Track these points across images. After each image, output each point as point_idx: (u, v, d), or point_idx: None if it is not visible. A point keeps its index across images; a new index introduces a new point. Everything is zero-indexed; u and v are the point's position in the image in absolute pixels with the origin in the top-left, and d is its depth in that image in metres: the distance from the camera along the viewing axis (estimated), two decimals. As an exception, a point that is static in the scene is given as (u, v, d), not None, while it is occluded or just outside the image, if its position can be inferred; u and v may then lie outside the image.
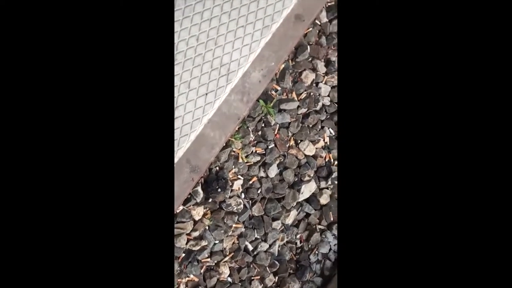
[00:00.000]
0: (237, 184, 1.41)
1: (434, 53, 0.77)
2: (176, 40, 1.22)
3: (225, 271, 1.37)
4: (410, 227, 0.76)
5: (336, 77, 1.54)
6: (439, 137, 0.76)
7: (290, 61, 1.49)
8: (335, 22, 1.55)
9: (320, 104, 1.52)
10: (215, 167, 1.39)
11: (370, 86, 0.78)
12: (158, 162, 0.76)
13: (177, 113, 1.22)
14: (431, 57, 0.77)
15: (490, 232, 0.74)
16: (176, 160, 1.24)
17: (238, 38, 1.23)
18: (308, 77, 1.51)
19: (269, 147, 1.46)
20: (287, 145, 1.48)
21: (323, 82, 1.53)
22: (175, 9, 1.19)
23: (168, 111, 0.77)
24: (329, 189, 1.51)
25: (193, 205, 1.35)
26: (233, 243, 1.39)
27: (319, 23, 1.53)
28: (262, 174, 1.45)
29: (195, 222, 1.36)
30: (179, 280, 1.32)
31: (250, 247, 1.41)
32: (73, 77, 0.75)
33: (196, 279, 1.35)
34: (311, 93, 1.52)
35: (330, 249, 1.49)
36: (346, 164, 0.78)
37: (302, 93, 1.51)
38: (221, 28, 1.20)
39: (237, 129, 1.40)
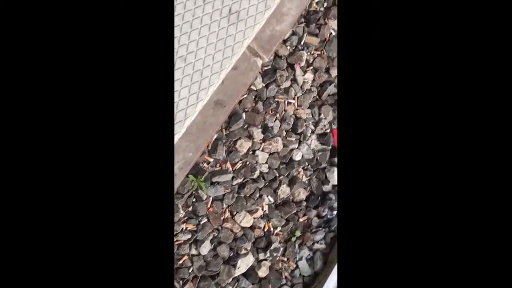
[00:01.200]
0: (165, 266, 1.33)
1: (436, 57, 0.76)
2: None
3: None
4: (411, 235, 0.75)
5: (274, 144, 1.47)
6: (440, 145, 0.75)
7: (223, 130, 1.42)
8: (271, 87, 1.48)
9: (257, 172, 1.45)
10: (140, 250, 1.31)
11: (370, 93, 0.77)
12: (158, 161, 0.76)
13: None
14: (433, 62, 0.76)
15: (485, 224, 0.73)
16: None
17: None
18: (244, 145, 1.44)
19: (201, 222, 1.39)
20: (222, 218, 1.41)
21: (260, 149, 1.47)
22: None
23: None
24: (268, 260, 1.45)
25: (115, 294, 1.28)
26: (162, 328, 1.32)
27: (255, 89, 1.46)
28: (193, 251, 1.38)
29: (117, 312, 1.28)
30: None
31: (181, 330, 1.34)
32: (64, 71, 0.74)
33: None
34: (247, 162, 1.45)
35: (269, 325, 1.43)
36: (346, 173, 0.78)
37: (237, 162, 1.44)
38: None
39: (165, 207, 1.32)
